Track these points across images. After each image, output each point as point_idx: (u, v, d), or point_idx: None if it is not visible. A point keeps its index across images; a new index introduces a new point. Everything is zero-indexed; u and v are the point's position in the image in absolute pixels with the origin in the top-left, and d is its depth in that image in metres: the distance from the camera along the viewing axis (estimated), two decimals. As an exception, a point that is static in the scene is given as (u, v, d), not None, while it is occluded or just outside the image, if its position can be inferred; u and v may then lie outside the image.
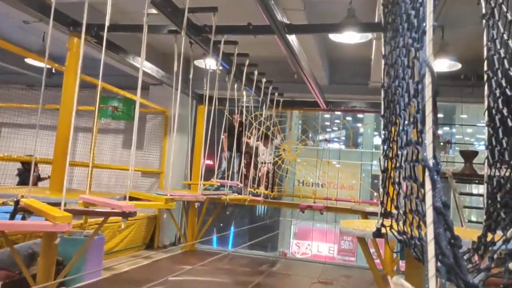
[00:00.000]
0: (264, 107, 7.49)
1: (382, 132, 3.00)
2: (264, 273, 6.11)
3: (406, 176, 1.71)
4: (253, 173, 7.08)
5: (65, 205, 2.86)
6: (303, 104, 8.00)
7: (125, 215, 2.66)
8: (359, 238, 3.55)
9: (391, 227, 2.98)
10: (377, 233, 3.08)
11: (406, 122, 1.65)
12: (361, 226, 3.74)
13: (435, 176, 1.02)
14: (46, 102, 9.14)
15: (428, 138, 1.05)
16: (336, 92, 7.88)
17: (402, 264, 7.22)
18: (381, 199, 3.26)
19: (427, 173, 1.04)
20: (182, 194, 4.85)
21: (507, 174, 1.77)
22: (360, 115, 26.45)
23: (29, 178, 6.76)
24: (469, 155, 7.06)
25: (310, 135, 11.12)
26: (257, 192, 6.86)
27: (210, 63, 6.08)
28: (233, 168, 7.75)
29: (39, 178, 7.07)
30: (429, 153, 1.03)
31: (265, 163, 7.67)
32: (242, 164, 7.69)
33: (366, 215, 7.05)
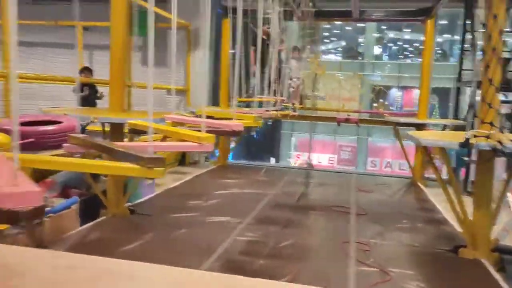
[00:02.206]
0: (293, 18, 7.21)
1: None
2: (310, 185, 6.38)
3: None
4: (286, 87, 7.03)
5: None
6: (332, 15, 7.69)
7: (235, 133, 2.68)
8: (440, 149, 3.67)
9: (487, 137, 3.08)
10: (465, 143, 3.18)
11: None
12: (434, 137, 3.84)
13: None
14: (56, 18, 8.69)
15: None
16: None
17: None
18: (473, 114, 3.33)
19: None
20: (259, 111, 4.87)
21: None
22: (361, 24, 25.71)
23: (92, 99, 6.67)
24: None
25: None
26: (294, 107, 6.87)
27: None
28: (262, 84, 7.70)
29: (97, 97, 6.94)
30: None
31: (296, 78, 7.58)
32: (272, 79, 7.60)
33: (399, 125, 7.19)
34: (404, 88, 27.17)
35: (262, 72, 7.46)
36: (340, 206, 5.16)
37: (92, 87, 6.53)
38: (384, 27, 26.68)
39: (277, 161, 23.07)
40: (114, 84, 4.42)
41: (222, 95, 8.08)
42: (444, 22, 23.41)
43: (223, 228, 4.18)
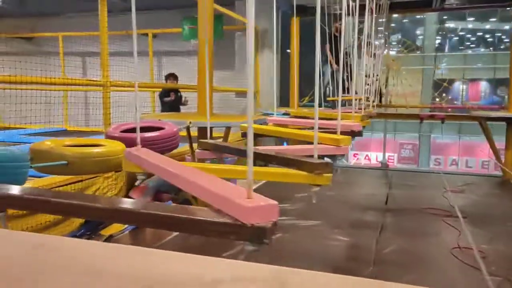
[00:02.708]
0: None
1: None
2: (392, 186, 6.10)
3: None
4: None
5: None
6: (410, 6, 7.31)
7: (354, 134, 2.53)
8: None
9: None
10: None
11: None
12: None
13: None
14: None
15: None
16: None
17: None
18: None
19: None
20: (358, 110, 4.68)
21: None
22: (420, 16, 24.60)
23: (177, 104, 6.85)
24: None
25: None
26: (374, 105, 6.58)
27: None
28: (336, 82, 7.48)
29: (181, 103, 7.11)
30: None
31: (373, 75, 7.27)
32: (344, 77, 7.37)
33: (489, 120, 6.69)
34: (469, 80, 25.67)
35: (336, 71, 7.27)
36: (436, 209, 4.84)
37: (177, 92, 6.65)
38: (445, 17, 25.36)
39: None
40: (202, 90, 4.42)
41: (292, 96, 7.95)
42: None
43: (318, 232, 4.03)
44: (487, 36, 25.49)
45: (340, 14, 6.65)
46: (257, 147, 2.06)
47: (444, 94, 23.03)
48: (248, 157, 0.92)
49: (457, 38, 27.55)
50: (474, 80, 25.74)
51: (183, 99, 6.81)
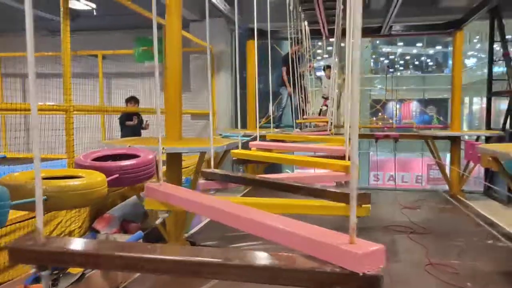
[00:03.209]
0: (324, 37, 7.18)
1: None
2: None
3: None
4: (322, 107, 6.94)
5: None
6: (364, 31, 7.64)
7: (344, 158, 2.54)
8: (497, 161, 3.56)
9: None
10: None
11: None
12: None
13: None
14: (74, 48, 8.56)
15: None
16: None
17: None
18: None
19: None
20: (318, 133, 4.71)
21: None
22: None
23: (139, 129, 6.50)
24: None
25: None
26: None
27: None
28: (293, 104, 7.61)
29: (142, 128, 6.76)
30: None
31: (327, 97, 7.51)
32: (300, 100, 7.53)
33: (435, 138, 7.12)
34: (401, 100, 27.39)
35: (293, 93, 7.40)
36: (400, 226, 5.01)
37: (138, 116, 6.39)
38: (378, 42, 27.05)
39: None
40: (171, 113, 4.28)
41: (250, 118, 7.96)
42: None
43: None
44: (415, 60, 27.62)
45: (297, 37, 6.87)
46: (266, 175, 2.00)
47: (380, 114, 24.31)
48: (351, 198, 0.86)
49: (387, 61, 29.47)
50: (406, 100, 27.52)
51: (144, 123, 6.56)
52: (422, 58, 26.85)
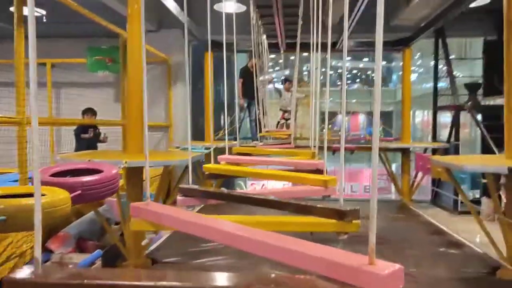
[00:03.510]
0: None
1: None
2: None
3: None
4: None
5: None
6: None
7: (320, 172, 2.57)
8: (448, 172, 3.78)
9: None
10: (517, 167, 3.29)
11: None
12: (473, 162, 3.97)
13: None
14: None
15: None
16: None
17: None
18: None
19: None
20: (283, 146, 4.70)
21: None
22: (306, 54, 26.69)
23: (95, 142, 6.15)
24: (474, 87, 7.58)
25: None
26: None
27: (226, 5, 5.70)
28: (251, 117, 7.65)
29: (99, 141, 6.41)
30: None
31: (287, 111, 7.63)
32: (257, 112, 7.59)
33: (387, 150, 7.42)
34: (349, 113, 28.40)
35: (248, 105, 7.44)
36: (357, 236, 5.13)
37: (95, 129, 6.10)
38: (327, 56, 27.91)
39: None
40: (133, 126, 4.14)
41: (207, 130, 7.90)
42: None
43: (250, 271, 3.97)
44: (361, 73, 28.91)
45: (255, 50, 6.94)
46: (244, 191, 1.97)
47: (329, 126, 25.03)
48: (371, 217, 0.87)
49: (336, 75, 30.55)
50: (353, 113, 28.58)
51: (101, 135, 6.29)
52: (368, 72, 28.17)
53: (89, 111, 6.00)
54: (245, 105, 7.48)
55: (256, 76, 7.18)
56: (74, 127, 6.11)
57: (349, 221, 1.38)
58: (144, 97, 1.66)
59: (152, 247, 4.76)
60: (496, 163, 3.52)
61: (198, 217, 1.19)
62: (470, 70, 9.86)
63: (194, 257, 4.43)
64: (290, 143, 5.01)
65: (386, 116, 25.24)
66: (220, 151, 4.91)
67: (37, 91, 0.87)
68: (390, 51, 8.04)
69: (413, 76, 21.15)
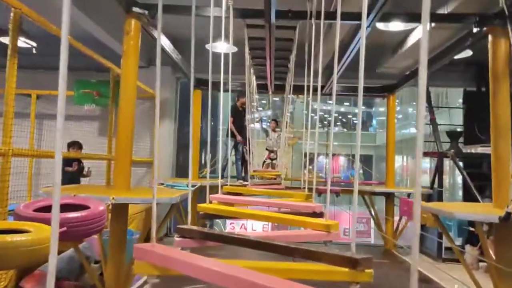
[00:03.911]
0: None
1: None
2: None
3: None
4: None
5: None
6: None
7: (317, 215, 2.53)
8: (438, 220, 3.80)
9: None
10: (507, 217, 3.32)
11: None
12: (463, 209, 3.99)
13: None
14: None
15: None
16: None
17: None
18: None
19: None
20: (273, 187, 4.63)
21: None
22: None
23: (78, 176, 5.95)
24: (456, 135, 7.79)
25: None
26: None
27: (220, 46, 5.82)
28: (237, 156, 7.62)
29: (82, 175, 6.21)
30: None
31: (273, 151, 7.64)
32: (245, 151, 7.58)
33: (372, 194, 7.44)
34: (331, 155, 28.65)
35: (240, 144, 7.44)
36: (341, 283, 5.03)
37: (79, 162, 5.94)
38: (309, 99, 28.54)
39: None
40: (121, 161, 4.06)
41: (194, 168, 7.80)
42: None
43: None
44: (342, 117, 29.54)
45: (243, 90, 7.03)
46: (246, 233, 1.91)
47: (310, 167, 25.23)
48: (412, 271, 0.83)
49: (316, 117, 30.97)
50: (334, 155, 28.91)
51: (85, 169, 6.13)
52: (349, 116, 28.81)
53: (76, 144, 5.87)
54: (232, 143, 7.47)
55: (245, 115, 7.24)
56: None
57: (362, 270, 1.33)
58: (155, 133, 1.61)
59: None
60: (484, 211, 3.55)
61: (209, 262, 1.13)
62: (449, 119, 10.20)
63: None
64: (279, 184, 4.97)
65: (366, 160, 25.65)
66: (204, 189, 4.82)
67: (63, 123, 0.82)
68: (376, 96, 8.25)
69: (392, 122, 21.73)
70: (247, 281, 0.98)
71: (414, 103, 22.30)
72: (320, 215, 2.57)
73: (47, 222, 2.50)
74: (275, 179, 6.02)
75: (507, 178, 3.88)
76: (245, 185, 4.74)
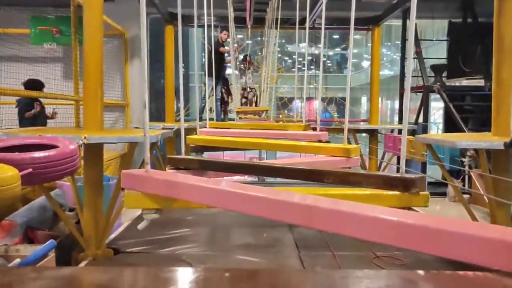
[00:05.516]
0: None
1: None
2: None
3: None
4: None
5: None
6: (285, 22, 7.51)
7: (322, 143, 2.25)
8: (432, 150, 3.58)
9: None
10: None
11: None
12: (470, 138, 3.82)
13: None
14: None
15: None
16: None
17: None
18: None
19: None
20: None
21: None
22: (263, 38, 26.38)
23: (41, 118, 5.38)
24: (440, 69, 7.58)
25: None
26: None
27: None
28: (216, 96, 7.21)
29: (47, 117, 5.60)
30: None
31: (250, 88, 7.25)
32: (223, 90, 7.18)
33: (357, 132, 7.28)
34: (306, 99, 28.47)
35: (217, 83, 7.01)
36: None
37: (41, 103, 5.33)
38: (283, 41, 27.72)
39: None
40: (91, 101, 3.62)
41: (168, 110, 7.36)
42: (336, 36, 25.07)
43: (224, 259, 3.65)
44: (316, 60, 29.01)
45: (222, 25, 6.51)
46: (270, 161, 1.60)
47: (286, 111, 25.12)
48: None
49: (291, 61, 30.51)
50: (309, 99, 28.71)
51: (51, 111, 5.57)
52: (324, 59, 28.31)
53: (36, 83, 5.22)
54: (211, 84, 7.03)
55: (221, 53, 6.76)
56: (16, 105, 5.32)
57: (417, 193, 1.04)
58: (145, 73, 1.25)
59: (112, 236, 4.27)
60: (485, 139, 3.36)
61: (237, 185, 0.80)
62: (430, 53, 9.94)
63: (161, 245, 4.01)
64: (267, 119, 4.66)
65: (340, 102, 25.59)
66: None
67: None
68: (360, 29, 7.83)
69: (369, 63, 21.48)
70: (303, 205, 0.67)
71: (389, 44, 22.01)
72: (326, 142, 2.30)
73: (8, 162, 2.11)
74: (260, 115, 5.71)
75: (507, 105, 3.69)
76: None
